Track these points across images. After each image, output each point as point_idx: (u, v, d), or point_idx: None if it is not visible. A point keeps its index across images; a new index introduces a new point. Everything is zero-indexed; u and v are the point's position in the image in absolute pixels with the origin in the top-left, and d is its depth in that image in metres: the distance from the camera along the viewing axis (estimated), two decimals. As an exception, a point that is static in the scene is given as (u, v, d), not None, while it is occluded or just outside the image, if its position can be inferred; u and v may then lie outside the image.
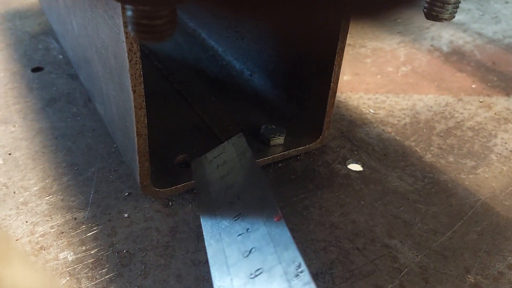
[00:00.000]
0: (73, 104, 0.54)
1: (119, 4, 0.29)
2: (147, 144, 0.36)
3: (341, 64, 0.42)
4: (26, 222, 0.39)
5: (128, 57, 0.31)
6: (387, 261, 0.36)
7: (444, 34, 0.74)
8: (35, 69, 0.61)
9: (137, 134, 0.35)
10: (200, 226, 0.39)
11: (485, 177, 0.44)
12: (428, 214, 0.40)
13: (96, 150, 0.47)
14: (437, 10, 0.30)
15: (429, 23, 0.78)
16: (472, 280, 0.34)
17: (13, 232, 0.38)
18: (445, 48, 0.69)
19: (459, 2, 0.30)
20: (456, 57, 0.67)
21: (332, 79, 0.43)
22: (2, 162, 0.45)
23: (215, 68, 0.59)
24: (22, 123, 0.51)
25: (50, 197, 0.41)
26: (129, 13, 0.20)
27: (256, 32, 0.53)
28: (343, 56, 0.42)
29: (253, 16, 0.54)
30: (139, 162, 0.36)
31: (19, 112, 0.53)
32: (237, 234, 0.30)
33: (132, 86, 0.32)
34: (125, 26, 0.29)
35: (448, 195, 0.42)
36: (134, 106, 0.33)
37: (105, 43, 0.36)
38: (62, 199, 0.41)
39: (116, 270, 0.35)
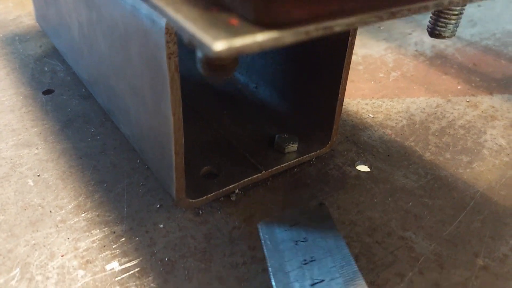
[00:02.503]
0: (90, 124, 0.57)
1: (163, 40, 0.32)
2: (183, 162, 0.39)
3: (347, 77, 0.46)
4: (68, 238, 0.42)
5: (169, 85, 0.34)
6: (405, 252, 0.40)
7: (426, 39, 0.79)
8: (46, 92, 0.63)
9: (175, 153, 0.38)
10: (232, 231, 0.42)
11: (480, 170, 0.49)
12: (434, 207, 0.44)
13: (121, 167, 0.50)
14: (439, 29, 0.35)
15: (411, 29, 0.83)
16: (482, 263, 0.39)
17: (57, 249, 0.41)
18: (428, 53, 0.75)
19: (459, 22, 0.34)
20: (440, 60, 0.72)
21: (339, 91, 0.47)
22: (33, 184, 0.48)
23: (220, 82, 0.63)
24: (44, 145, 0.53)
25: (86, 214, 0.44)
26: (199, 54, 0.24)
27: (261, 48, 0.57)
28: (349, 70, 0.46)
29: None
30: (176, 178, 0.39)
31: (39, 134, 0.55)
32: None
33: (172, 111, 0.35)
34: (168, 58, 0.33)
35: (450, 189, 0.47)
36: (174, 128, 0.36)
37: (137, 72, 0.40)
38: (98, 214, 0.44)
39: (162, 277, 0.38)
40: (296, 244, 0.36)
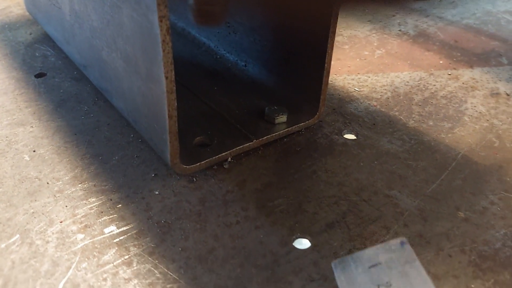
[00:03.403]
0: (83, 104, 0.58)
1: (154, 2, 0.34)
2: (177, 125, 0.40)
3: (333, 45, 0.48)
4: (66, 206, 0.43)
5: (162, 47, 0.36)
6: (390, 208, 0.42)
7: (409, 20, 0.82)
8: (38, 75, 0.64)
9: (168, 116, 0.39)
10: (226, 194, 0.44)
11: (461, 135, 0.51)
12: (418, 168, 0.46)
13: (115, 141, 0.51)
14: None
15: (395, 11, 0.85)
16: (463, 215, 0.41)
17: (56, 216, 0.42)
18: (411, 32, 0.77)
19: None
20: (422, 38, 0.74)
21: (326, 60, 0.48)
22: (29, 159, 0.49)
23: (210, 61, 0.65)
24: (39, 124, 0.54)
25: (83, 184, 0.45)
26: (190, 1, 0.25)
27: (249, 25, 0.58)
28: (334, 38, 0.48)
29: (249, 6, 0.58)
30: (170, 142, 0.41)
31: (33, 114, 0.56)
32: None
33: (165, 73, 0.37)
34: (160, 21, 0.34)
35: (433, 152, 0.49)
36: (166, 91, 0.38)
37: (129, 39, 0.41)
38: (95, 184, 0.45)
39: (159, 237, 0.40)
40: None
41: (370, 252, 0.36)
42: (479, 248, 0.38)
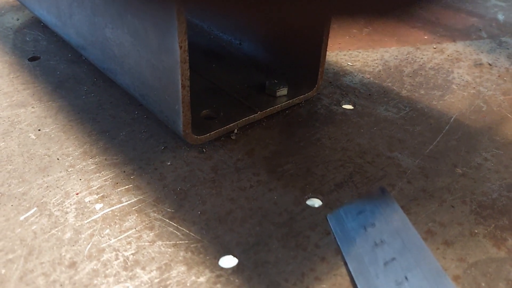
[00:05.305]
0: (82, 84, 0.58)
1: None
2: (189, 95, 0.42)
3: (331, 19, 0.50)
4: (80, 179, 0.44)
5: (176, 17, 0.37)
6: (393, 167, 0.44)
7: (391, 0, 0.85)
8: (32, 59, 0.64)
9: (181, 86, 0.41)
10: (237, 162, 0.45)
11: (451, 101, 0.54)
12: (415, 132, 0.49)
13: (120, 118, 0.52)
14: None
15: (377, -9, 0.88)
16: (460, 171, 0.44)
17: (71, 189, 0.43)
18: (395, 11, 0.80)
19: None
20: (406, 17, 0.78)
21: (324, 31, 0.50)
22: (35, 137, 0.49)
23: (205, 42, 0.66)
24: (40, 105, 0.54)
25: (94, 159, 0.46)
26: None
27: (244, 4, 0.60)
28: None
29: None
30: (182, 112, 0.42)
31: (32, 95, 0.56)
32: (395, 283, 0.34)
33: (179, 43, 0.38)
34: (176, -11, 0.35)
35: (427, 117, 0.52)
36: (180, 60, 0.39)
37: (138, 13, 0.42)
38: (106, 158, 0.46)
39: (177, 203, 0.41)
40: (365, 230, 0.38)
41: (358, 202, 0.41)
42: (478, 199, 0.41)
